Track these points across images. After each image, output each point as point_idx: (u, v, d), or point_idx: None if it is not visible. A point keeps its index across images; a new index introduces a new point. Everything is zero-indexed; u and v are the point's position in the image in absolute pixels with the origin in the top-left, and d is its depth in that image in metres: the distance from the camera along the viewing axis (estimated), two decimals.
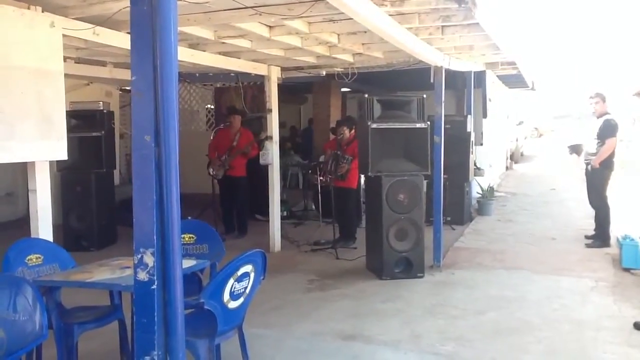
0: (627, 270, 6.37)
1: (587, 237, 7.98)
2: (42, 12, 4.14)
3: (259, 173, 8.45)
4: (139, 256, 2.16)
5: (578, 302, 5.54)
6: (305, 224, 9.67)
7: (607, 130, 7.45)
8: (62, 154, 4.35)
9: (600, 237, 7.71)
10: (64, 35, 4.37)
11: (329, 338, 4.69)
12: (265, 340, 4.57)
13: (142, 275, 2.16)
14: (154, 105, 2.10)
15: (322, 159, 8.72)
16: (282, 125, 11.38)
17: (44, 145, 4.18)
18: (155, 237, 2.13)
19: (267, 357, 4.29)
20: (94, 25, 4.74)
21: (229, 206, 8.86)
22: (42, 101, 4.12)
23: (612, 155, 7.55)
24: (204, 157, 9.07)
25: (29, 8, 4.04)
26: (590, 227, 8.10)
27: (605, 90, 8.35)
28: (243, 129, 8.83)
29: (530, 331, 4.80)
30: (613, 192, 7.60)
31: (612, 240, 7.55)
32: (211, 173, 8.65)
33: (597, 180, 7.67)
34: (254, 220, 9.47)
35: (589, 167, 7.66)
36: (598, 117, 7.63)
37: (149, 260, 2.14)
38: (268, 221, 7.98)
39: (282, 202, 9.08)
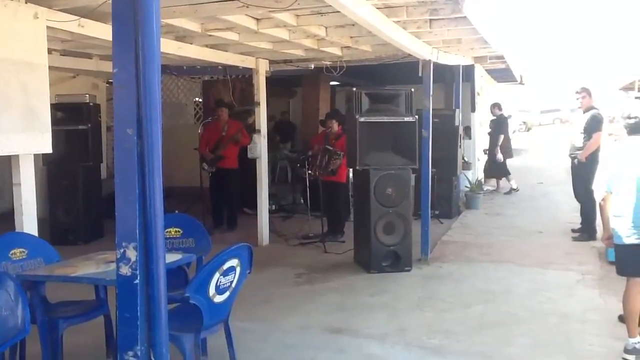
0: (613, 263, 6.33)
1: (573, 230, 8.04)
2: (26, 3, 4.08)
3: (248, 166, 8.42)
4: (122, 250, 2.13)
5: (564, 295, 5.58)
6: (293, 217, 9.66)
7: (594, 125, 7.49)
8: (47, 147, 4.30)
9: (586, 230, 7.76)
10: (48, 27, 4.31)
11: (316, 331, 4.69)
12: (252, 334, 4.56)
13: (125, 270, 2.14)
14: (137, 98, 2.07)
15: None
16: (271, 118, 11.34)
17: (28, 138, 4.13)
18: (137, 231, 2.10)
19: (254, 351, 4.28)
20: (79, 17, 4.69)
21: (219, 199, 8.84)
22: (26, 93, 4.07)
23: (598, 149, 7.59)
24: (192, 150, 9.04)
25: None
26: (576, 220, 8.16)
27: (592, 84, 8.39)
28: (231, 120, 8.81)
29: (516, 324, 4.83)
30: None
31: (598, 234, 7.59)
32: (205, 168, 8.61)
33: (583, 174, 7.69)
34: (243, 214, 9.45)
35: (576, 160, 7.70)
36: (584, 112, 7.66)
37: (132, 254, 2.12)
38: (256, 215, 7.96)
39: (271, 195, 9.06)
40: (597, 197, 4.33)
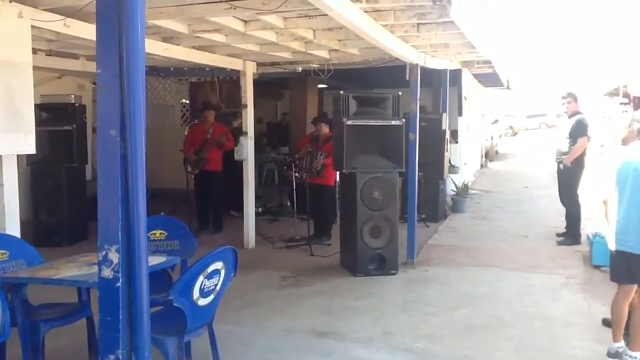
0: (597, 267, 6.45)
1: (558, 234, 8.08)
2: (10, 2, 4.03)
3: (234, 169, 8.39)
4: (104, 253, 2.11)
5: (549, 299, 5.61)
6: (280, 220, 9.62)
7: (579, 130, 7.55)
8: (31, 148, 4.25)
9: (571, 234, 7.81)
10: (34, 27, 4.27)
11: (301, 335, 4.67)
12: (237, 337, 4.53)
13: (107, 273, 2.11)
14: (120, 99, 2.05)
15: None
16: (258, 120, 11.31)
17: (12, 138, 4.07)
18: (120, 234, 2.08)
19: (238, 354, 4.25)
20: (64, 17, 4.64)
21: (204, 202, 8.81)
22: (9, 93, 4.02)
23: (583, 154, 7.65)
24: (179, 152, 8.98)
25: None
26: (561, 224, 8.20)
27: (577, 90, 8.46)
28: (216, 123, 8.79)
29: (501, 327, 4.85)
30: (584, 190, 7.70)
31: (583, 238, 7.65)
32: (188, 170, 8.58)
33: (568, 179, 7.76)
34: (229, 216, 9.42)
35: (561, 165, 7.75)
36: (570, 117, 7.72)
37: (114, 257, 2.09)
38: (243, 217, 7.93)
39: (257, 198, 9.03)
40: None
